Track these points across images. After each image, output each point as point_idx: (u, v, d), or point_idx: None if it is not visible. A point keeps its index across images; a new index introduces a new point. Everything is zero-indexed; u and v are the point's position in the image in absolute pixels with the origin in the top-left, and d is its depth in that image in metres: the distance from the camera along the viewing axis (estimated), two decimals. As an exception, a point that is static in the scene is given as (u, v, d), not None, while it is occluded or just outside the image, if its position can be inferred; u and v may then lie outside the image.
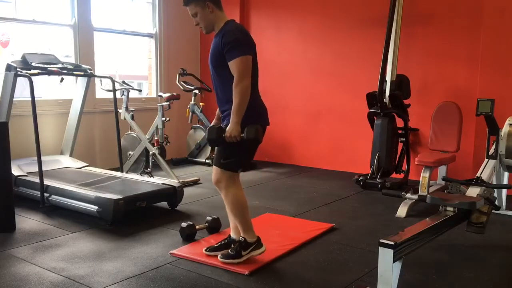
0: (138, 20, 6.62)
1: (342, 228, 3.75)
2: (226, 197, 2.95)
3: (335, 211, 4.28)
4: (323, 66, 6.23)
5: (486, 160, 3.87)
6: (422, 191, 4.14)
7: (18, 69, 4.29)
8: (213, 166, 2.94)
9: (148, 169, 5.28)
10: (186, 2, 2.84)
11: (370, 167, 5.13)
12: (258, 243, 2.99)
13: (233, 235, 3.08)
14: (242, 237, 2.96)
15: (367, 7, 5.77)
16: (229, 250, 2.98)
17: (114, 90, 4.99)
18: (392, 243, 2.32)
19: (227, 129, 2.76)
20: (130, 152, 5.50)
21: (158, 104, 5.43)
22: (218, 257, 2.97)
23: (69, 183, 4.27)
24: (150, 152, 5.28)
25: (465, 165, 5.03)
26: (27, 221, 3.84)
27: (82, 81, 5.10)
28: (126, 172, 5.20)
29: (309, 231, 3.57)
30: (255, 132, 2.70)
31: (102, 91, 5.46)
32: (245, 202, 2.98)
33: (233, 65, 2.71)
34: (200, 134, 6.43)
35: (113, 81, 5.01)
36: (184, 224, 3.44)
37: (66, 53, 5.81)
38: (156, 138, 5.36)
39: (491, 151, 3.92)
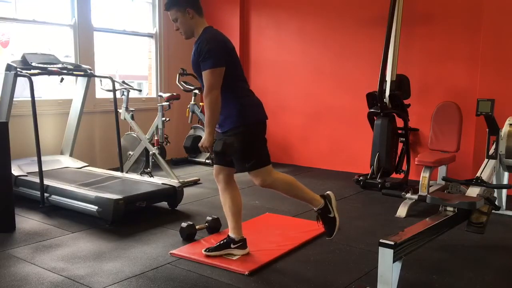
0: (138, 20, 6.62)
1: (342, 228, 3.74)
2: (278, 189, 3.00)
3: (335, 211, 4.28)
4: (323, 66, 6.23)
5: (486, 160, 3.87)
6: (422, 191, 4.13)
7: (18, 69, 4.29)
8: (249, 173, 2.95)
9: (148, 169, 5.28)
10: (168, 7, 2.93)
11: (370, 167, 5.13)
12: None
13: (232, 235, 3.09)
14: (318, 209, 3.00)
15: (367, 7, 5.77)
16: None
17: (114, 90, 4.99)
18: (392, 243, 2.32)
19: (202, 139, 2.83)
20: (130, 152, 5.50)
21: (158, 104, 5.43)
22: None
23: (69, 183, 4.27)
24: (150, 152, 5.28)
25: (465, 165, 5.03)
26: (27, 221, 3.84)
27: (82, 81, 5.10)
28: (126, 172, 5.20)
29: (309, 231, 3.57)
30: (221, 147, 2.76)
31: (102, 91, 5.46)
32: (292, 179, 3.02)
33: (204, 76, 2.76)
34: (200, 134, 6.42)
35: (113, 81, 5.01)
36: (184, 224, 3.44)
37: (66, 53, 5.81)
38: (156, 138, 5.36)
39: (491, 151, 3.91)
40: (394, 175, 5.26)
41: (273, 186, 2.98)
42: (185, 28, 2.90)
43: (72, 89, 5.46)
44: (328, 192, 3.10)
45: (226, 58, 2.80)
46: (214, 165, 3.10)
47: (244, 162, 2.91)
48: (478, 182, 3.27)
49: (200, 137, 2.92)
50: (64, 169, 4.92)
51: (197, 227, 3.49)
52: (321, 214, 3.02)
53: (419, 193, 4.14)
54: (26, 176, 4.51)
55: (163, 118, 5.36)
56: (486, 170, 3.68)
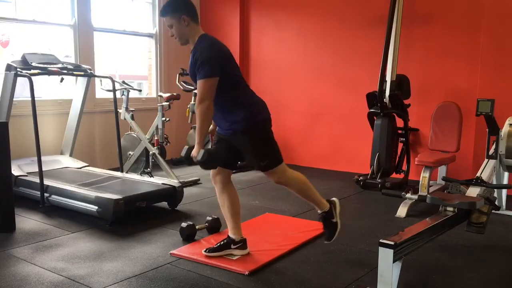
0: (138, 20, 6.62)
1: (342, 228, 3.73)
2: (291, 187, 3.04)
3: (335, 211, 4.28)
4: (323, 66, 6.23)
5: (486, 160, 3.87)
6: (422, 191, 4.13)
7: (18, 69, 4.29)
8: (264, 172, 2.98)
9: (148, 169, 5.28)
10: (163, 13, 2.92)
11: (370, 167, 5.13)
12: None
13: (232, 235, 3.09)
14: (323, 212, 3.07)
15: (367, 7, 5.77)
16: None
17: (114, 90, 4.99)
18: (392, 243, 2.32)
19: (193, 149, 2.89)
20: (130, 152, 5.50)
21: (158, 104, 5.43)
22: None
23: (69, 183, 4.27)
24: (150, 152, 5.28)
25: (465, 165, 5.03)
26: (27, 221, 3.84)
27: (82, 81, 5.10)
28: (126, 172, 5.20)
29: (309, 231, 3.57)
30: (203, 156, 2.80)
31: (102, 91, 5.46)
32: (305, 179, 3.07)
33: (198, 85, 2.79)
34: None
35: (113, 81, 5.01)
36: (184, 224, 3.44)
37: (66, 53, 5.81)
38: (156, 138, 5.36)
39: (491, 151, 3.92)
40: (394, 175, 5.26)
41: (287, 184, 3.03)
42: (180, 35, 2.90)
43: (72, 89, 5.46)
44: (334, 198, 3.15)
45: (222, 66, 2.81)
46: None
47: (259, 161, 2.92)
48: (478, 182, 3.27)
49: (191, 148, 3.01)
50: (64, 169, 4.92)
51: (197, 227, 3.48)
52: (324, 217, 3.07)
53: (419, 193, 4.14)
54: (26, 176, 4.50)
55: (163, 118, 5.36)
56: (486, 170, 3.68)
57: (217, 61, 2.79)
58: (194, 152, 2.85)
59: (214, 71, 2.76)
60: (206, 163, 2.81)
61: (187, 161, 3.00)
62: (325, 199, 3.10)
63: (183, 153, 3.02)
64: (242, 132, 2.87)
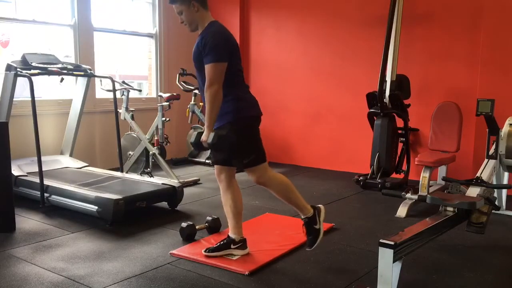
0: (138, 20, 6.62)
1: (342, 228, 3.76)
2: (272, 187, 3.01)
3: (335, 211, 4.28)
4: (323, 66, 6.23)
5: (486, 160, 3.87)
6: (422, 191, 4.14)
7: (18, 69, 4.29)
8: (245, 169, 2.98)
9: (148, 169, 5.28)
10: (172, 0, 2.91)
11: (370, 167, 5.13)
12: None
13: (232, 235, 3.09)
14: (306, 217, 3.01)
15: (367, 7, 5.77)
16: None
17: (114, 90, 4.99)
18: (392, 243, 2.32)
19: (203, 134, 2.87)
20: (130, 152, 5.50)
21: (158, 104, 5.43)
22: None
23: (69, 183, 4.27)
24: (150, 152, 5.28)
25: (465, 165, 5.03)
26: (27, 221, 3.84)
27: (82, 81, 5.10)
28: (126, 172, 5.20)
29: (309, 231, 3.57)
30: (213, 139, 2.81)
31: (102, 91, 5.46)
32: (288, 181, 3.04)
33: (207, 69, 2.80)
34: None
35: (113, 81, 5.01)
36: (184, 224, 3.44)
37: (66, 53, 5.81)
38: (156, 138, 5.36)
39: (491, 151, 3.91)
40: (394, 175, 5.26)
41: (267, 184, 3.00)
42: (190, 21, 2.91)
43: (72, 89, 5.46)
44: (319, 205, 3.12)
45: (229, 54, 2.83)
46: (215, 165, 3.10)
47: (243, 158, 2.92)
48: (478, 182, 3.26)
49: (201, 133, 2.97)
50: (64, 169, 4.92)
51: (197, 227, 3.49)
52: (307, 223, 3.03)
53: (419, 193, 4.14)
54: (26, 176, 4.50)
55: (163, 118, 5.36)
56: (486, 170, 3.67)
57: (226, 47, 2.81)
58: (204, 137, 2.86)
59: (223, 56, 2.78)
60: (216, 145, 2.83)
61: (196, 146, 2.99)
62: (310, 204, 3.06)
63: (192, 139, 3.00)
64: (229, 124, 2.86)
